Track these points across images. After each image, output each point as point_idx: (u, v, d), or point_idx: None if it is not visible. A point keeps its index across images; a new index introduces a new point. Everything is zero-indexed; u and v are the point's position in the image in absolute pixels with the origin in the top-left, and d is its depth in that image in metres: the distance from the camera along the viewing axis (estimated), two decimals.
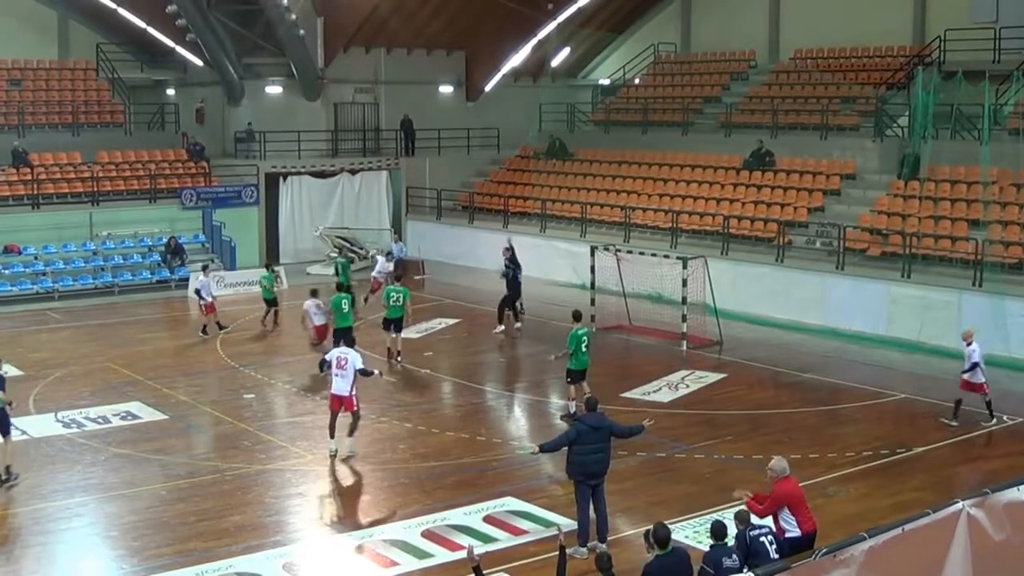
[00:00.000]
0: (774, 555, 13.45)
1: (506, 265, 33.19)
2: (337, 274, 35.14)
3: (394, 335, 29.15)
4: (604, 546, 16.42)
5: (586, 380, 23.66)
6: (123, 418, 24.00)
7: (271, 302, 33.74)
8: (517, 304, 33.11)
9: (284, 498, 19.41)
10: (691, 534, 16.86)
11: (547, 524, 17.58)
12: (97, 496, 19.50)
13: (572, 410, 23.20)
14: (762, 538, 13.61)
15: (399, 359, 28.92)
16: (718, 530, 13.63)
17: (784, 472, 14.32)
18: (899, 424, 23.99)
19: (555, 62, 52.74)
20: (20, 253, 38.57)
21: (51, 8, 46.62)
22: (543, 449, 17.40)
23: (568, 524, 16.88)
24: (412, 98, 49.49)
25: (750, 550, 13.46)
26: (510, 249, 33.57)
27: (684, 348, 30.29)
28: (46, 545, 17.39)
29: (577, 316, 24.08)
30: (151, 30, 46.37)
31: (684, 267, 30.50)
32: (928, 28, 41.40)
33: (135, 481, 20.13)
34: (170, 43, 46.82)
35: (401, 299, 29.03)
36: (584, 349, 23.56)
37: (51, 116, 43.76)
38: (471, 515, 18.20)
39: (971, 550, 11.01)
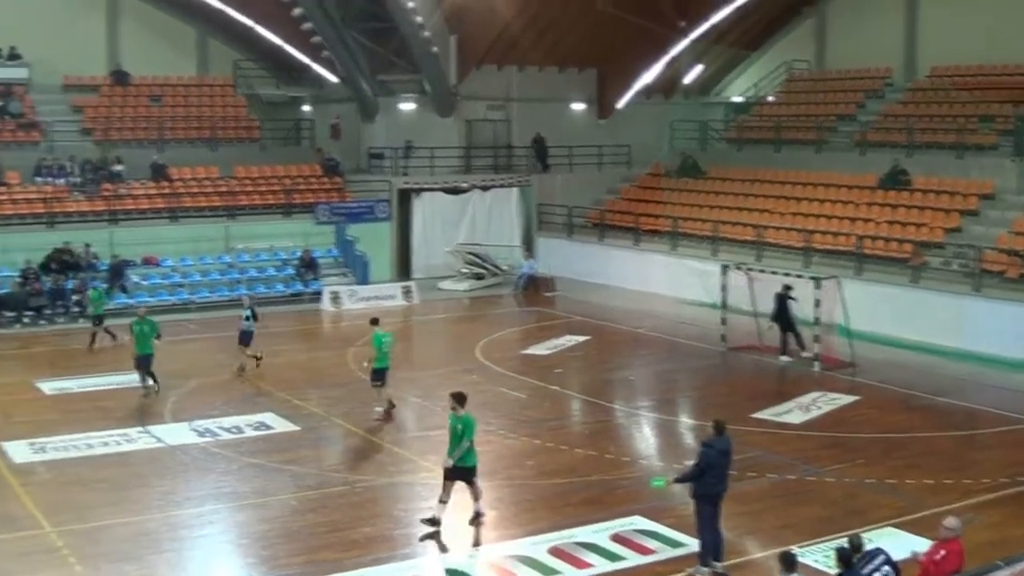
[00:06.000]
0: None
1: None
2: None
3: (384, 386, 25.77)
4: (720, 566, 16.20)
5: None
6: (256, 428, 24.41)
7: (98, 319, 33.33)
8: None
9: (413, 511, 19.44)
10: (820, 559, 16.51)
11: (675, 544, 17.43)
12: (229, 504, 19.85)
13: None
14: (875, 573, 13.14)
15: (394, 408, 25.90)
16: (846, 556, 13.28)
17: (960, 531, 13.76)
18: None
19: (687, 79, 52.55)
20: (158, 265, 39.50)
21: (191, 26, 47.72)
22: (678, 481, 17.14)
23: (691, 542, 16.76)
24: (544, 115, 49.60)
25: None
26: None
27: (816, 369, 29.86)
28: (179, 551, 17.73)
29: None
30: (287, 47, 47.22)
31: (817, 287, 30.08)
32: None
33: (266, 491, 20.44)
34: (306, 60, 47.60)
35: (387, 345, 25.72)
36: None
37: (190, 131, 44.81)
38: (599, 533, 18.11)
39: None
